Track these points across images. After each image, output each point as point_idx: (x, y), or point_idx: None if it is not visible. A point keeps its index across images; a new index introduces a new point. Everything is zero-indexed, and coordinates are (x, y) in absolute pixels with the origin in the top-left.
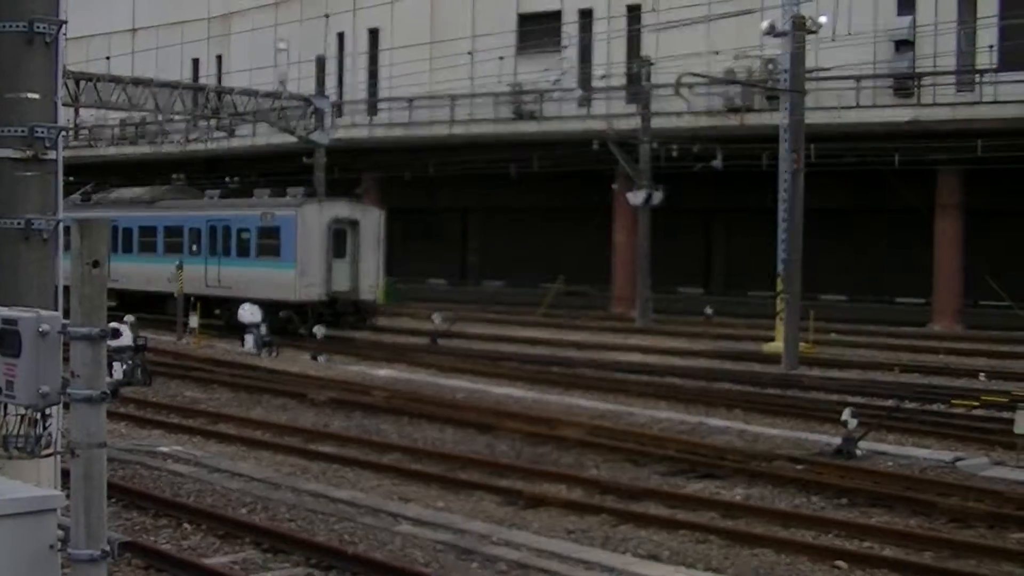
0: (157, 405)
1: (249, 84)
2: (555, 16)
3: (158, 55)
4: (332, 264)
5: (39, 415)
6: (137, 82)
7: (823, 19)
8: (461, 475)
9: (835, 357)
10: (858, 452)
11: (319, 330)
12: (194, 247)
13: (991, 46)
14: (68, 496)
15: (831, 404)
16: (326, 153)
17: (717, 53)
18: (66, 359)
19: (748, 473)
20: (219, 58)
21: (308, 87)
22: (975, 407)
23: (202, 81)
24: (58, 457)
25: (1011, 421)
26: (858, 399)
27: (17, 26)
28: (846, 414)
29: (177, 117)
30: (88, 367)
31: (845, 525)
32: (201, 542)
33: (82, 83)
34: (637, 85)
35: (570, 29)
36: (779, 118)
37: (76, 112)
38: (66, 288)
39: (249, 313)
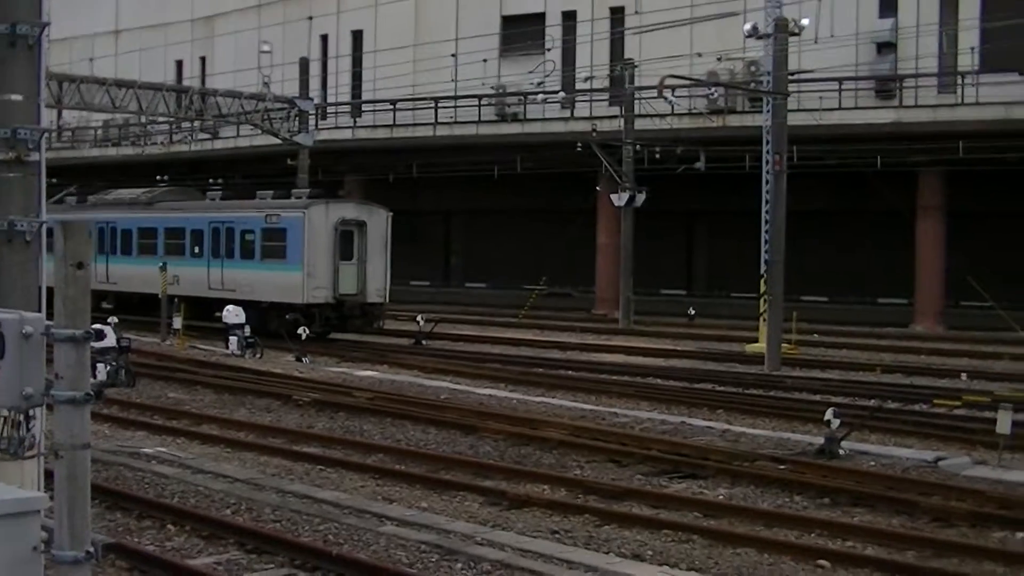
0: (141, 406)
1: (233, 86)
2: (538, 18)
3: (141, 57)
4: (339, 266)
5: (22, 417)
6: (120, 84)
7: (805, 21)
8: (445, 476)
9: (817, 358)
10: (840, 452)
11: (303, 331)
12: (196, 249)
13: (972, 48)
14: (52, 497)
15: (814, 404)
16: (310, 155)
17: (700, 55)
18: (49, 360)
19: (731, 473)
20: (203, 60)
21: (292, 89)
22: (957, 407)
23: (185, 83)
24: (41, 458)
25: (993, 421)
26: (840, 399)
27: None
28: (829, 414)
29: (160, 119)
30: (72, 369)
31: (828, 524)
32: (185, 543)
33: (65, 85)
34: (620, 87)
35: (553, 31)
36: (762, 120)
37: (59, 114)
38: (50, 290)
39: (233, 314)
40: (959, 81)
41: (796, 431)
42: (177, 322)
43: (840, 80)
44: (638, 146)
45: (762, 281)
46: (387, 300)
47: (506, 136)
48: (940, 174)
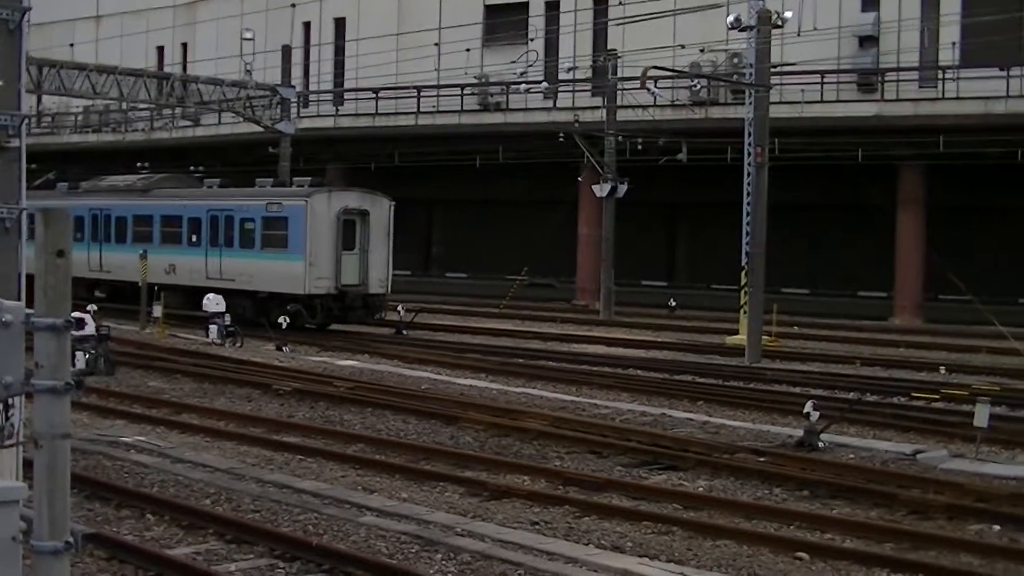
0: (120, 395)
1: (214, 73)
2: (522, 8)
3: (122, 43)
4: (341, 256)
5: (1, 406)
6: (101, 70)
7: (788, 14)
8: (425, 466)
9: (797, 350)
10: (820, 444)
11: (283, 320)
12: (193, 237)
13: (953, 43)
14: (31, 487)
15: (793, 397)
16: (292, 143)
17: (683, 47)
18: (29, 349)
19: (711, 465)
20: (184, 46)
21: (274, 76)
22: (935, 400)
23: (167, 69)
24: (20, 448)
25: (971, 414)
26: (820, 392)
27: None
28: (808, 407)
29: (141, 105)
30: (52, 358)
31: (807, 517)
32: (164, 533)
33: (45, 70)
34: (603, 78)
35: (537, 21)
36: (744, 112)
37: (39, 99)
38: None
39: (213, 303)
40: (940, 75)
41: (776, 423)
42: (157, 310)
43: (822, 73)
44: (620, 137)
45: (743, 273)
46: (389, 291)
47: (488, 126)
48: (920, 168)
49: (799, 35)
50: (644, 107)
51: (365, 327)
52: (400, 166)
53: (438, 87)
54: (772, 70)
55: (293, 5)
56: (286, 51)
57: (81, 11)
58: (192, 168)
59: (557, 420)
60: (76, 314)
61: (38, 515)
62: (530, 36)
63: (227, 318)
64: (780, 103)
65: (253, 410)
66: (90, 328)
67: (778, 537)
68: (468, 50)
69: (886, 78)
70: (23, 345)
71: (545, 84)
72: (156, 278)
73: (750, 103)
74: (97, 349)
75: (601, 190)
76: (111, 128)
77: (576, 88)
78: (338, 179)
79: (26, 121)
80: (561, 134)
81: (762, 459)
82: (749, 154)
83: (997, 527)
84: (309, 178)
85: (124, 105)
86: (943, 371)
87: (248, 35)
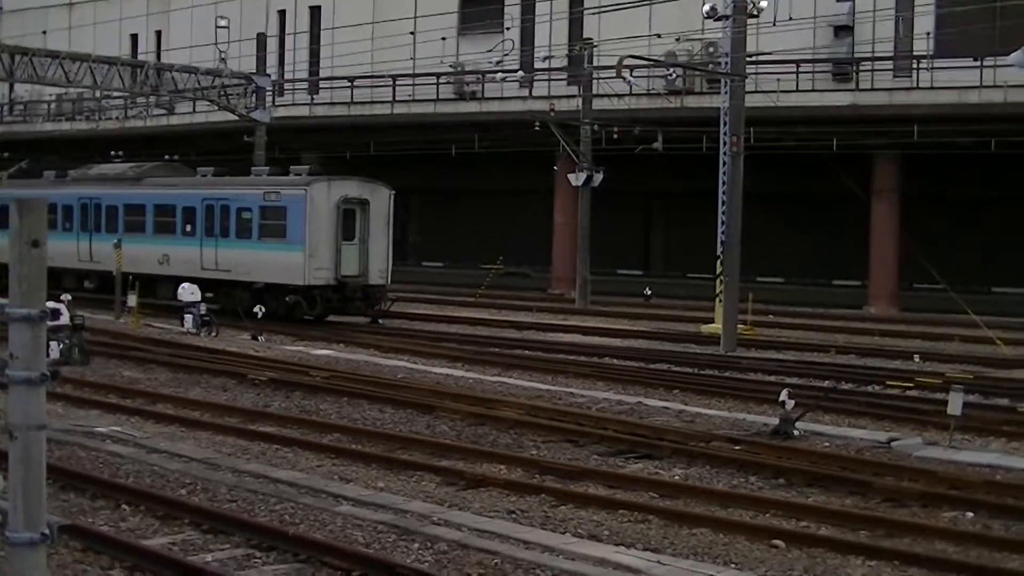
0: (95, 385)
1: (189, 61)
2: None
3: (96, 30)
4: (341, 247)
5: None
6: (74, 57)
7: (764, 3)
8: (402, 455)
9: (773, 339)
10: (795, 433)
11: (259, 309)
12: (188, 227)
13: (928, 33)
14: (5, 478)
15: (769, 385)
16: (267, 131)
17: (659, 36)
18: (3, 339)
19: (686, 453)
20: (158, 34)
21: (249, 65)
22: (909, 388)
23: (141, 57)
24: None
25: (945, 402)
26: (795, 380)
27: None
28: (783, 395)
29: (115, 93)
30: (27, 349)
31: (782, 505)
32: (140, 523)
33: (18, 57)
34: (579, 67)
35: (512, 10)
36: (719, 101)
37: (11, 87)
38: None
39: (189, 292)
40: (914, 65)
41: (751, 412)
42: (132, 300)
43: (798, 63)
44: (596, 126)
45: (718, 262)
46: (389, 282)
47: (464, 115)
48: (895, 157)
49: (775, 24)
50: (620, 96)
51: (340, 316)
52: (376, 155)
53: (414, 76)
54: (748, 59)
55: None
56: (261, 39)
57: None
58: (167, 156)
59: (533, 409)
60: (51, 304)
61: (13, 507)
62: (506, 25)
63: (202, 307)
64: (755, 92)
65: (229, 400)
66: (64, 318)
67: (754, 525)
68: (444, 39)
69: (861, 68)
70: None
71: (521, 73)
72: (148, 268)
73: (726, 92)
74: (72, 339)
75: (577, 179)
76: (85, 116)
77: (552, 77)
78: (313, 168)
79: None
80: (537, 123)
81: (738, 447)
82: (724, 143)
83: (971, 514)
84: (307, 167)
85: (98, 93)
86: (917, 359)
87: (223, 23)
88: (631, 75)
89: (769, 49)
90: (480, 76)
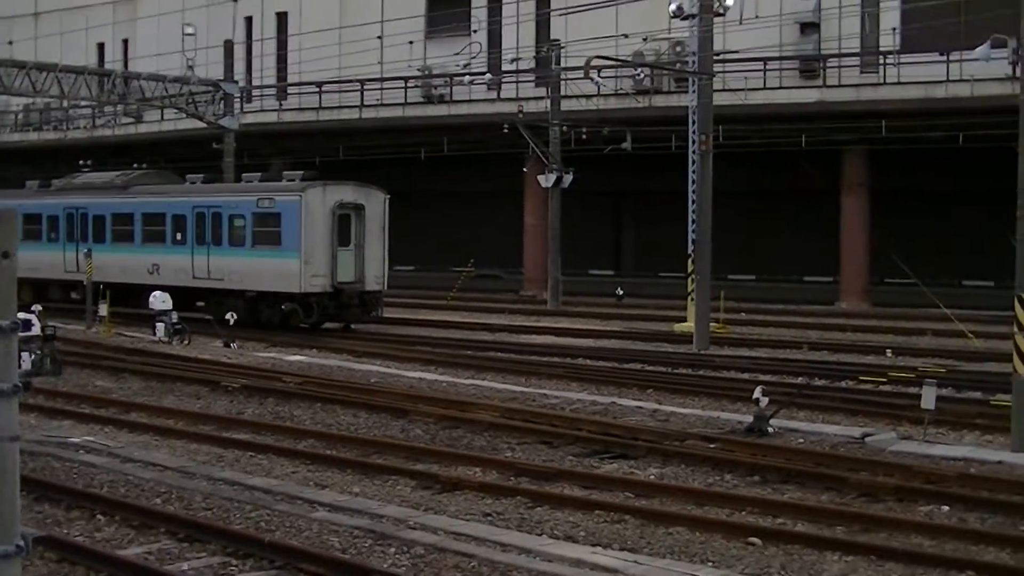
0: (67, 395)
1: (156, 69)
2: (464, 0)
3: (62, 40)
4: (337, 253)
5: None
6: (41, 67)
7: (730, 2)
8: (376, 460)
9: (745, 336)
10: (770, 430)
11: (230, 316)
12: (178, 236)
13: (894, 28)
14: None
15: (742, 383)
16: (235, 138)
17: (626, 36)
18: None
19: (661, 453)
20: (125, 43)
21: (216, 72)
22: (883, 383)
23: (108, 66)
24: None
25: (918, 396)
26: (769, 377)
27: None
28: (757, 392)
29: (83, 103)
30: None
31: (758, 502)
32: (115, 533)
33: None
34: (546, 68)
35: (479, 13)
36: (687, 100)
37: None
38: None
39: (160, 301)
40: (881, 61)
41: (725, 410)
42: (103, 309)
43: (765, 60)
44: (565, 127)
45: (689, 260)
46: (385, 287)
47: (433, 118)
48: (863, 153)
49: (741, 23)
50: (588, 97)
51: None
52: (345, 160)
53: (381, 80)
54: (715, 58)
55: (235, 0)
56: (228, 46)
57: (19, 8)
58: (135, 165)
59: (507, 411)
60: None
61: None
62: (473, 27)
63: (174, 316)
64: (723, 91)
65: (202, 408)
66: (36, 328)
67: (730, 523)
68: (411, 42)
69: (828, 64)
70: None
71: (489, 75)
72: (136, 278)
73: (694, 91)
74: (43, 349)
75: (546, 180)
76: (52, 126)
77: (520, 79)
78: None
79: None
80: (505, 125)
81: (712, 445)
82: (693, 142)
83: (946, 508)
84: (301, 172)
85: (65, 103)
86: (890, 354)
87: (190, 30)
88: (599, 76)
89: (736, 47)
90: (448, 79)
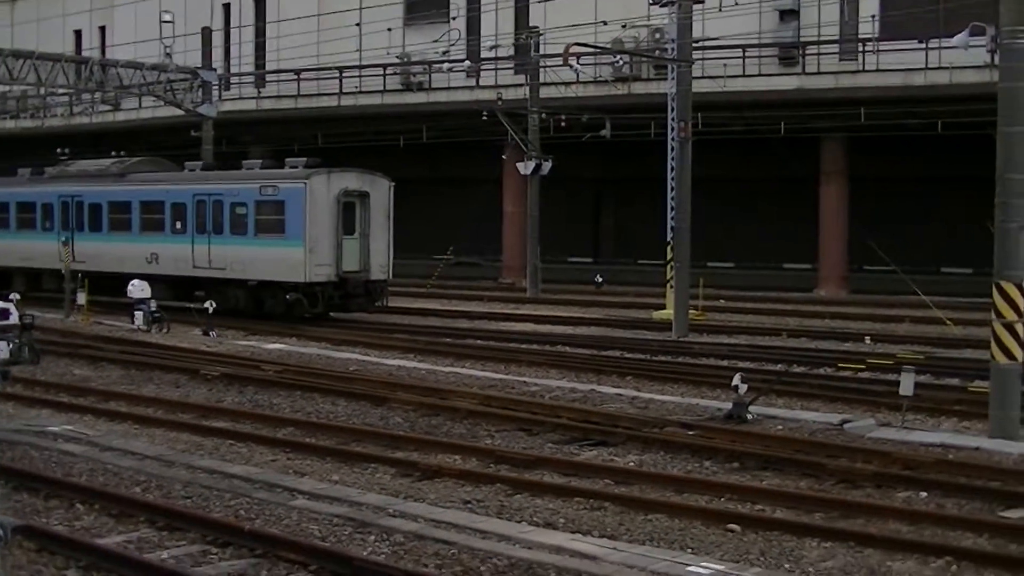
0: (46, 384)
1: (134, 56)
2: None
3: (39, 27)
4: (342, 241)
5: None
6: (17, 55)
7: None
8: (356, 448)
9: (724, 323)
10: (748, 416)
11: (210, 304)
12: (178, 224)
13: (873, 16)
14: None
15: (721, 370)
16: (214, 126)
17: (605, 23)
18: None
19: (641, 440)
20: (102, 30)
21: (194, 59)
22: (861, 370)
23: (85, 53)
24: None
25: (896, 383)
26: (748, 364)
27: None
28: (736, 379)
29: (60, 90)
30: None
31: (737, 489)
32: (95, 522)
33: None
34: (525, 55)
35: (458, 0)
36: (666, 87)
37: None
38: None
39: (139, 289)
40: (860, 48)
41: (704, 397)
42: (81, 298)
43: (744, 47)
44: (544, 114)
45: (668, 248)
46: (390, 276)
47: (411, 105)
48: (842, 140)
49: (720, 9)
50: (567, 84)
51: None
52: (324, 147)
53: (360, 67)
54: (694, 45)
55: None
56: (206, 33)
57: None
58: (114, 153)
59: (487, 399)
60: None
61: None
62: (452, 15)
63: (152, 304)
64: (702, 78)
65: (181, 396)
66: (13, 317)
67: (709, 510)
68: (390, 30)
69: (807, 51)
70: None
71: (467, 63)
72: (135, 267)
73: (673, 78)
74: (21, 338)
75: (525, 168)
76: (29, 114)
77: (499, 66)
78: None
79: None
80: (484, 112)
81: (692, 433)
82: (672, 129)
83: (924, 494)
84: (304, 159)
85: (42, 90)
86: (868, 341)
87: (167, 17)
88: (578, 63)
89: (715, 34)
90: (427, 66)
